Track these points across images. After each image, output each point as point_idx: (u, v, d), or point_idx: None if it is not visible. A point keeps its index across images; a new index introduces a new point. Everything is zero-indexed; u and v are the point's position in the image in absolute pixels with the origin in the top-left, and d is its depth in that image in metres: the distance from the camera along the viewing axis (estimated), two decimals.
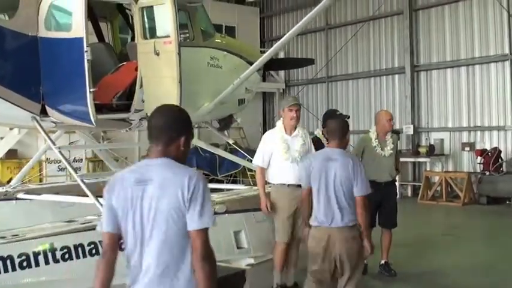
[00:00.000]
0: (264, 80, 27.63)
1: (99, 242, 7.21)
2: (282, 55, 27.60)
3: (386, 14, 24.87)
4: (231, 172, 20.94)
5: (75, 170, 17.72)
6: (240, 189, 11.11)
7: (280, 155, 8.77)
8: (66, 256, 6.99)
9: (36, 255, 6.78)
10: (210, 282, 3.91)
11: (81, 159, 21.58)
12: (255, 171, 9.52)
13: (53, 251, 6.89)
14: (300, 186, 7.96)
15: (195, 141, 13.24)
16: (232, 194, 9.89)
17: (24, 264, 6.68)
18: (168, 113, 4.27)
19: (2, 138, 11.96)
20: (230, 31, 27.03)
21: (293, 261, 9.00)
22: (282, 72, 28.52)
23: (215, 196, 9.48)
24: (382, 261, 10.38)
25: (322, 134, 9.70)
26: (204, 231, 3.98)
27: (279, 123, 9.03)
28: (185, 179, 3.94)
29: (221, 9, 27.01)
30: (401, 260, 10.93)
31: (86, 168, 21.49)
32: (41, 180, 17.74)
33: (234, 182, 19.92)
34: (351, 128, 9.66)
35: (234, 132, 24.94)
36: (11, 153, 17.40)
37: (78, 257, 7.07)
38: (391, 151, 10.31)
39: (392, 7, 24.61)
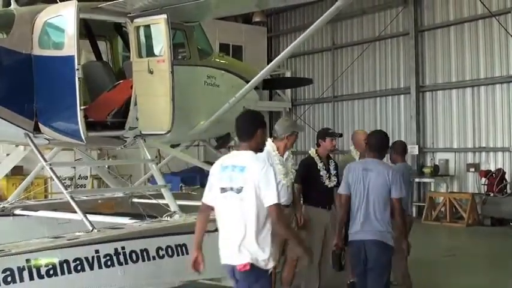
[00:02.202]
0: (270, 99, 27.89)
1: (85, 258, 7.29)
2: (288, 74, 27.79)
3: (392, 35, 24.92)
4: None
5: (76, 186, 17.87)
6: None
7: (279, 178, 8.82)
8: (51, 272, 6.95)
9: (21, 270, 6.76)
10: None
11: (86, 177, 21.68)
12: None
13: (38, 266, 6.88)
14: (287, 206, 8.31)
15: (196, 162, 13.29)
16: None
17: (9, 279, 6.64)
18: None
19: (7, 154, 12.03)
20: (237, 51, 27.22)
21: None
22: (288, 92, 28.61)
23: None
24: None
25: (316, 152, 9.72)
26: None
27: (271, 145, 9.07)
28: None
29: (228, 28, 27.16)
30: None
31: (90, 185, 21.56)
32: (45, 197, 17.83)
33: None
34: (352, 148, 9.93)
35: None
36: (17, 170, 17.42)
37: (63, 273, 7.04)
38: None
39: (398, 28, 24.64)
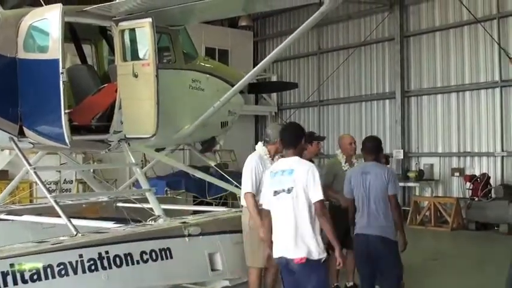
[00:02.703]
0: (256, 103, 27.92)
1: (69, 263, 7.26)
2: (274, 78, 27.83)
3: (377, 40, 25.04)
4: (221, 195, 20.83)
5: (62, 190, 17.77)
6: (218, 211, 11.10)
7: None
8: (35, 277, 6.91)
9: (4, 275, 6.71)
10: None
11: (72, 181, 21.57)
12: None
13: (21, 271, 6.84)
14: None
15: (181, 166, 13.26)
16: (209, 216, 9.86)
17: None
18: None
19: None
20: (223, 55, 27.21)
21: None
22: (274, 96, 28.70)
23: (190, 218, 9.49)
24: (350, 283, 10.49)
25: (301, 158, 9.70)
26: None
27: (263, 149, 9.09)
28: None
29: (215, 33, 27.15)
30: None
31: (75, 189, 21.44)
32: (31, 201, 17.73)
33: (224, 204, 19.84)
34: (338, 152, 10.70)
35: (226, 155, 24.98)
36: (2, 174, 17.38)
37: (47, 278, 7.00)
38: None
39: (384, 33, 24.76)
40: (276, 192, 7.07)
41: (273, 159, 9.03)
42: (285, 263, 7.01)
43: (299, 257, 6.79)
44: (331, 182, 10.18)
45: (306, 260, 6.78)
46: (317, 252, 6.84)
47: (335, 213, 10.42)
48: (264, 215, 7.48)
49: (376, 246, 8.31)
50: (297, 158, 7.20)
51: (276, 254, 7.11)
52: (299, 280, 6.94)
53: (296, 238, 6.85)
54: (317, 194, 6.88)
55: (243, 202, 8.98)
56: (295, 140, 7.33)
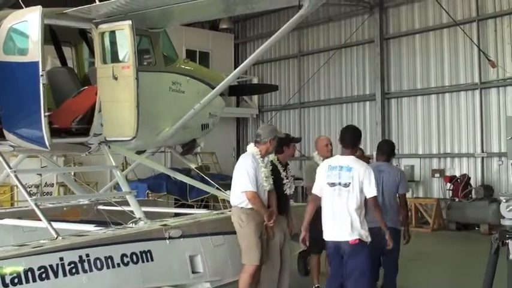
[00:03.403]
0: (237, 105, 27.96)
1: (49, 266, 7.23)
2: (255, 81, 27.89)
3: (358, 42, 25.22)
4: (202, 197, 20.83)
5: (43, 194, 17.63)
6: (198, 213, 11.09)
7: (261, 182, 8.99)
8: (16, 281, 6.86)
9: None
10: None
11: (53, 184, 21.48)
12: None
13: (2, 275, 6.79)
14: None
15: (162, 169, 13.24)
16: (190, 218, 9.85)
17: None
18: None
19: None
20: (204, 57, 27.22)
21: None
22: (255, 98, 28.74)
23: (170, 220, 9.48)
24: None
25: (278, 160, 9.75)
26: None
27: (254, 149, 9.14)
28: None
29: (195, 35, 27.21)
30: None
31: (56, 192, 21.36)
32: (12, 205, 17.61)
33: (206, 206, 19.84)
34: (315, 154, 10.32)
35: (207, 157, 24.97)
36: None
37: (27, 281, 6.95)
38: None
39: (364, 35, 24.92)
40: (332, 184, 8.11)
41: (263, 159, 9.09)
42: (335, 246, 8.13)
43: (354, 239, 7.90)
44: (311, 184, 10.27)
45: (359, 241, 7.91)
46: (365, 236, 8.01)
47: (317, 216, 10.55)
48: (312, 199, 8.46)
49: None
50: (353, 157, 8.22)
51: (329, 237, 8.19)
52: (349, 259, 8.01)
53: (351, 224, 7.94)
54: (372, 191, 8.06)
55: (233, 202, 9.04)
56: (354, 141, 8.38)
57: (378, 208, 8.24)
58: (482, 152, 21.02)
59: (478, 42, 20.72)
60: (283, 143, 9.86)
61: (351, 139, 8.36)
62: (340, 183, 8.05)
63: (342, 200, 8.03)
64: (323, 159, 10.43)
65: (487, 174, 21.02)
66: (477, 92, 21.19)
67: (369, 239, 8.03)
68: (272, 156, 9.74)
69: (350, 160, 8.17)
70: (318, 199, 8.32)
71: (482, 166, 21.11)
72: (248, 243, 8.82)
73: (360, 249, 7.98)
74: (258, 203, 8.82)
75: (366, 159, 11.74)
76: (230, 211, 9.46)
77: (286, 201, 9.71)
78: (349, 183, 8.01)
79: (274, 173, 9.31)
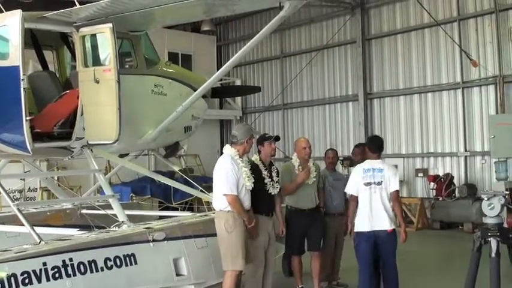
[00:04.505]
0: (221, 107, 27.94)
1: (33, 271, 7.20)
2: (238, 83, 27.88)
3: (339, 43, 25.20)
4: (186, 199, 20.78)
5: (26, 199, 17.53)
6: (182, 216, 11.08)
7: (243, 181, 8.96)
8: None
9: None
10: None
11: (36, 189, 21.36)
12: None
13: None
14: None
15: (146, 172, 13.20)
16: (173, 221, 9.84)
17: None
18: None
19: None
20: (186, 59, 27.15)
21: None
22: (238, 100, 28.70)
23: (154, 223, 9.47)
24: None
25: (260, 160, 9.77)
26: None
27: (232, 150, 9.14)
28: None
29: (177, 37, 27.11)
30: (351, 285, 11.24)
31: (40, 197, 21.23)
32: None
33: (190, 209, 19.81)
34: (294, 155, 10.40)
35: (191, 160, 24.94)
36: None
37: (10, 286, 6.92)
38: (314, 179, 10.79)
39: (346, 36, 24.92)
40: (368, 184, 9.60)
41: (242, 159, 9.09)
42: (371, 235, 9.45)
43: (391, 228, 9.42)
44: (286, 184, 10.48)
45: (393, 230, 9.45)
46: (394, 225, 9.56)
47: (292, 218, 10.59)
48: (353, 199, 9.88)
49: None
50: (381, 160, 9.93)
51: (366, 228, 9.52)
52: (385, 244, 9.49)
53: (387, 216, 9.45)
54: (395, 186, 9.62)
55: (217, 206, 9.00)
56: (380, 148, 9.97)
57: (398, 201, 9.88)
58: (466, 151, 21.08)
59: (459, 42, 20.80)
60: (257, 143, 9.89)
61: (377, 147, 9.96)
62: (374, 182, 9.58)
63: (377, 196, 9.53)
64: (300, 162, 10.54)
65: (471, 173, 21.07)
66: (459, 91, 21.25)
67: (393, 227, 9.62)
68: (255, 157, 9.77)
69: (379, 163, 9.80)
70: (356, 198, 9.77)
71: (466, 165, 21.15)
72: (234, 250, 8.74)
73: (393, 236, 9.53)
74: (238, 206, 8.78)
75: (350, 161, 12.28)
76: (214, 213, 9.43)
77: (270, 201, 9.69)
78: (381, 181, 9.58)
79: (255, 172, 9.28)
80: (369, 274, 9.66)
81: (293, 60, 27.19)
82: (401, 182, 22.18)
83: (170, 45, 26.06)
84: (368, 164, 9.84)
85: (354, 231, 9.79)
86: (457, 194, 20.14)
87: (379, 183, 9.57)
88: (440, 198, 20.17)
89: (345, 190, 10.20)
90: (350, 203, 10.06)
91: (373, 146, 9.98)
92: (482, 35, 20.65)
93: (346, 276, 11.65)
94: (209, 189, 11.08)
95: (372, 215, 9.48)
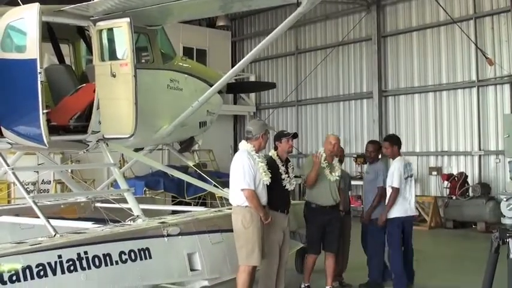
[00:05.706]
0: (235, 103, 27.94)
1: (48, 263, 7.23)
2: (252, 78, 27.87)
3: (355, 40, 25.19)
4: (199, 194, 20.80)
5: (40, 191, 17.58)
6: (197, 211, 11.09)
7: (260, 176, 9.00)
8: (14, 278, 6.84)
9: None
10: None
11: (50, 181, 21.43)
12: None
13: (0, 273, 6.78)
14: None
15: (160, 166, 13.20)
16: (188, 216, 9.83)
17: None
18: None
19: None
20: (201, 54, 27.15)
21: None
22: (252, 96, 28.75)
23: (168, 218, 9.47)
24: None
25: (277, 155, 9.76)
26: None
27: (248, 145, 9.18)
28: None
29: (192, 32, 27.16)
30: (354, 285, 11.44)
31: (54, 189, 21.30)
32: (9, 202, 17.60)
33: (203, 204, 19.84)
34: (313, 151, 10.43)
35: (204, 155, 24.98)
36: None
37: (25, 279, 6.94)
38: (337, 177, 10.76)
39: (361, 33, 24.89)
40: (407, 177, 11.10)
41: (259, 154, 9.12)
42: (402, 220, 11.00)
43: (417, 214, 11.12)
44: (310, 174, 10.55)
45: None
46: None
47: (312, 215, 10.57)
48: (395, 191, 10.89)
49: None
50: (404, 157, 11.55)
51: (407, 213, 11.13)
52: (411, 227, 11.37)
53: (414, 203, 11.44)
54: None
55: (234, 201, 9.03)
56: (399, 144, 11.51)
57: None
58: (480, 150, 21.01)
59: (475, 40, 20.72)
60: (275, 140, 9.90)
61: (400, 143, 11.53)
62: (410, 176, 11.21)
63: (411, 186, 11.15)
64: (325, 156, 10.51)
65: (484, 172, 21.01)
66: (474, 89, 21.17)
67: None
68: (272, 152, 9.78)
69: (407, 159, 11.71)
70: (398, 190, 10.91)
71: (480, 164, 21.09)
72: (250, 245, 8.80)
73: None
74: (255, 201, 8.82)
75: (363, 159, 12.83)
76: (229, 209, 9.47)
77: (286, 198, 9.73)
78: (413, 174, 11.41)
79: (272, 168, 9.29)
80: (401, 253, 11.03)
81: (308, 57, 27.19)
82: (415, 180, 22.38)
83: (185, 40, 26.10)
84: (404, 160, 11.30)
85: (384, 218, 10.98)
86: (470, 193, 20.07)
87: (411, 176, 11.25)
88: (454, 197, 20.10)
89: (392, 184, 10.92)
90: (392, 195, 10.91)
91: (400, 144, 11.48)
92: (498, 33, 20.56)
93: (349, 275, 11.78)
94: (223, 184, 11.11)
95: (406, 203, 11.04)
